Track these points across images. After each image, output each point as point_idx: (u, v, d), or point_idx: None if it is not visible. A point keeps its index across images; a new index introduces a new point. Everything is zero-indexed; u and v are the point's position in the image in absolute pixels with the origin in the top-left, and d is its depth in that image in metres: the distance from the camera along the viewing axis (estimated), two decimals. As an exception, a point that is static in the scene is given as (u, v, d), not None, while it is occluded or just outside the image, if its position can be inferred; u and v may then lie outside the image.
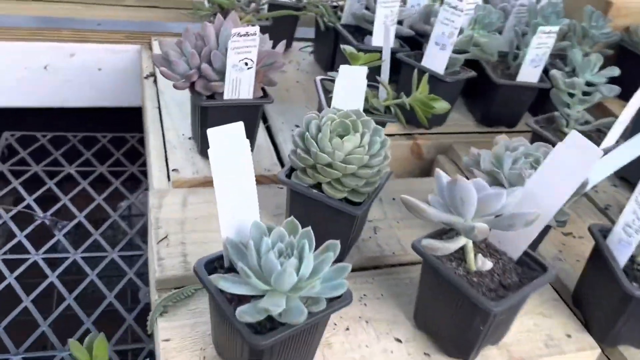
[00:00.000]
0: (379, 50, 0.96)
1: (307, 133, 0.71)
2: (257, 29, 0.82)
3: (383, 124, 0.91)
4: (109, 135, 1.49)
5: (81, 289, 1.10)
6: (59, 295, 1.08)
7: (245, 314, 0.54)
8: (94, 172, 1.38)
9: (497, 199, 0.60)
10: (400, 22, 1.24)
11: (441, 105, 0.92)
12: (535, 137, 1.00)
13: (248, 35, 0.81)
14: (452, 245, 0.64)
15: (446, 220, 0.63)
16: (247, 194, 0.60)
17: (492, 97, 1.18)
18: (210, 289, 0.57)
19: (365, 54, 0.93)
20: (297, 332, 0.56)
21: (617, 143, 0.98)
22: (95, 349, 0.68)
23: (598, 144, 0.95)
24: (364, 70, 0.82)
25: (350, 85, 0.82)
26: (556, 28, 1.06)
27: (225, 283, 0.55)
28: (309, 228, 0.58)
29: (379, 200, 0.95)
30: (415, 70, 0.95)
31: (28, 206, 1.25)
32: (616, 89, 0.94)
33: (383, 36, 0.97)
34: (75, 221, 1.24)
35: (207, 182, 0.92)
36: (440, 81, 1.06)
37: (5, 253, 1.14)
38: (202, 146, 0.95)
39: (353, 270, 0.79)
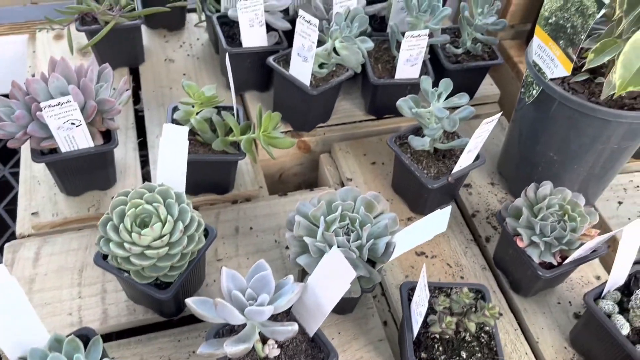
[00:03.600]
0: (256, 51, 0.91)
1: (110, 222, 0.73)
2: (69, 98, 0.80)
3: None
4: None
5: None
6: None
7: None
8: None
9: (259, 315, 0.64)
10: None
11: (284, 143, 0.91)
12: (397, 158, 1.00)
13: (61, 105, 0.80)
14: (239, 348, 0.67)
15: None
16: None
17: (374, 92, 1.14)
18: None
19: (204, 94, 0.90)
20: None
21: (474, 162, 0.98)
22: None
23: (457, 158, 0.94)
24: (184, 132, 0.80)
25: (174, 147, 0.81)
26: (426, 31, 0.99)
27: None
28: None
29: (234, 231, 0.98)
30: (258, 107, 0.92)
31: None
32: (455, 122, 0.91)
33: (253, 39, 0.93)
34: None
35: (67, 223, 0.96)
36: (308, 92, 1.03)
37: None
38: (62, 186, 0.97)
39: (187, 323, 0.86)
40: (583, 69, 0.82)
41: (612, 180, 1.05)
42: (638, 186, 1.14)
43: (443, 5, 1.08)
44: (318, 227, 0.79)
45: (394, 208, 1.05)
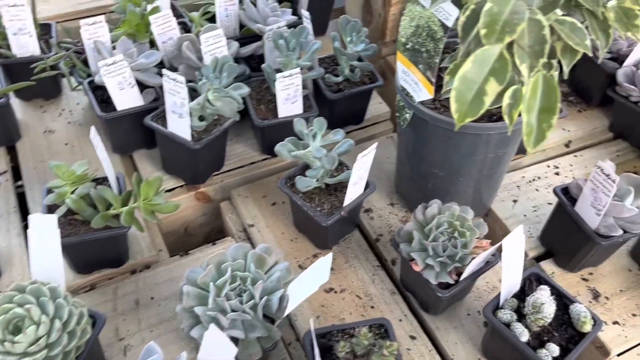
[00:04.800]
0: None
1: (-20, 335, 0.69)
2: None
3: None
4: None
5: None
6: None
7: None
8: None
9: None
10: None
11: (168, 208, 0.88)
12: (290, 199, 0.99)
13: None
14: None
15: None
16: None
17: (262, 133, 1.13)
18: None
19: (75, 172, 0.86)
20: None
21: (365, 191, 0.98)
22: None
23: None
24: (52, 220, 0.76)
25: (45, 238, 0.77)
26: (297, 70, 0.99)
27: None
28: None
29: (135, 304, 0.94)
30: (134, 176, 0.89)
31: None
32: (334, 160, 0.92)
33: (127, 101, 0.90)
34: None
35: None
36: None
37: None
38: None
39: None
40: (443, 90, 0.84)
41: (502, 181, 1.08)
42: (530, 181, 1.18)
43: (325, 31, 1.08)
44: (209, 293, 0.77)
45: (299, 246, 1.04)
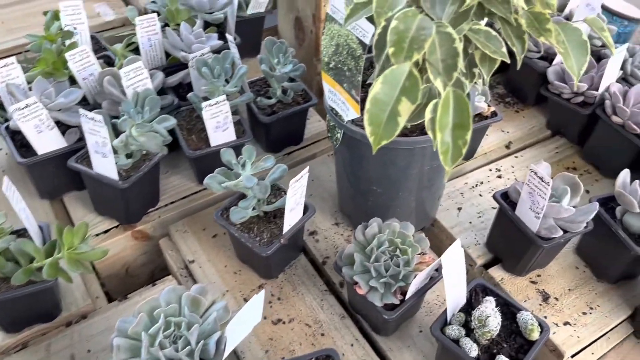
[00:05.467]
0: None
1: None
2: None
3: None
4: None
5: None
6: None
7: None
8: None
9: None
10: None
11: (95, 255, 0.83)
12: (228, 230, 0.95)
13: None
14: None
15: None
16: None
17: (196, 164, 1.09)
18: None
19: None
20: None
21: (304, 216, 0.95)
22: None
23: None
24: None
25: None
26: (222, 97, 0.96)
27: None
28: None
29: (70, 358, 0.89)
30: (55, 226, 0.84)
31: None
32: (266, 188, 0.89)
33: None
34: None
35: None
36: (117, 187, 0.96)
37: None
38: None
39: None
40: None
41: (443, 190, 1.07)
42: (473, 186, 1.18)
43: (259, 51, 1.05)
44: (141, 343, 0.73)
45: (244, 278, 1.00)
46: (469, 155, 1.23)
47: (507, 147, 1.29)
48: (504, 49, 0.72)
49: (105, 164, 0.94)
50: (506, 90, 1.42)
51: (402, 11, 0.60)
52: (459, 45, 0.62)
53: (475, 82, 0.78)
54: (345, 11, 0.75)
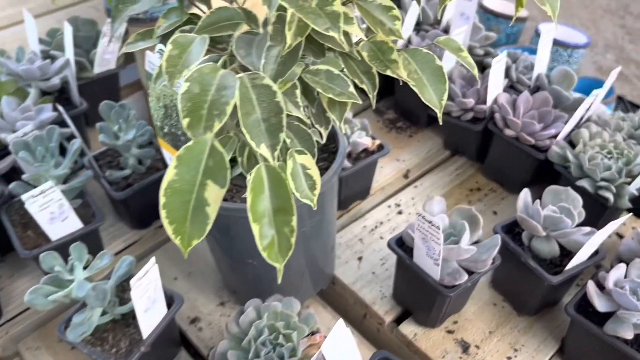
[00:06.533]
0: None
1: None
2: None
3: None
4: None
5: None
6: None
7: None
8: None
9: None
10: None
11: None
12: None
13: None
14: None
15: None
16: None
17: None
18: None
19: None
20: None
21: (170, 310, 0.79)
22: None
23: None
24: None
25: None
26: (49, 184, 0.79)
27: None
28: None
29: None
30: None
31: None
32: (105, 293, 0.72)
33: None
34: None
35: None
36: None
37: None
38: None
39: None
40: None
41: (334, 242, 0.94)
42: (372, 229, 1.06)
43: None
44: None
45: (115, 394, 0.82)
46: (364, 195, 1.12)
47: (405, 176, 1.19)
48: (351, 89, 0.60)
49: None
50: (396, 114, 1.33)
51: (196, 68, 0.46)
52: (281, 100, 0.49)
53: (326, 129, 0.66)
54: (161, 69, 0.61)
